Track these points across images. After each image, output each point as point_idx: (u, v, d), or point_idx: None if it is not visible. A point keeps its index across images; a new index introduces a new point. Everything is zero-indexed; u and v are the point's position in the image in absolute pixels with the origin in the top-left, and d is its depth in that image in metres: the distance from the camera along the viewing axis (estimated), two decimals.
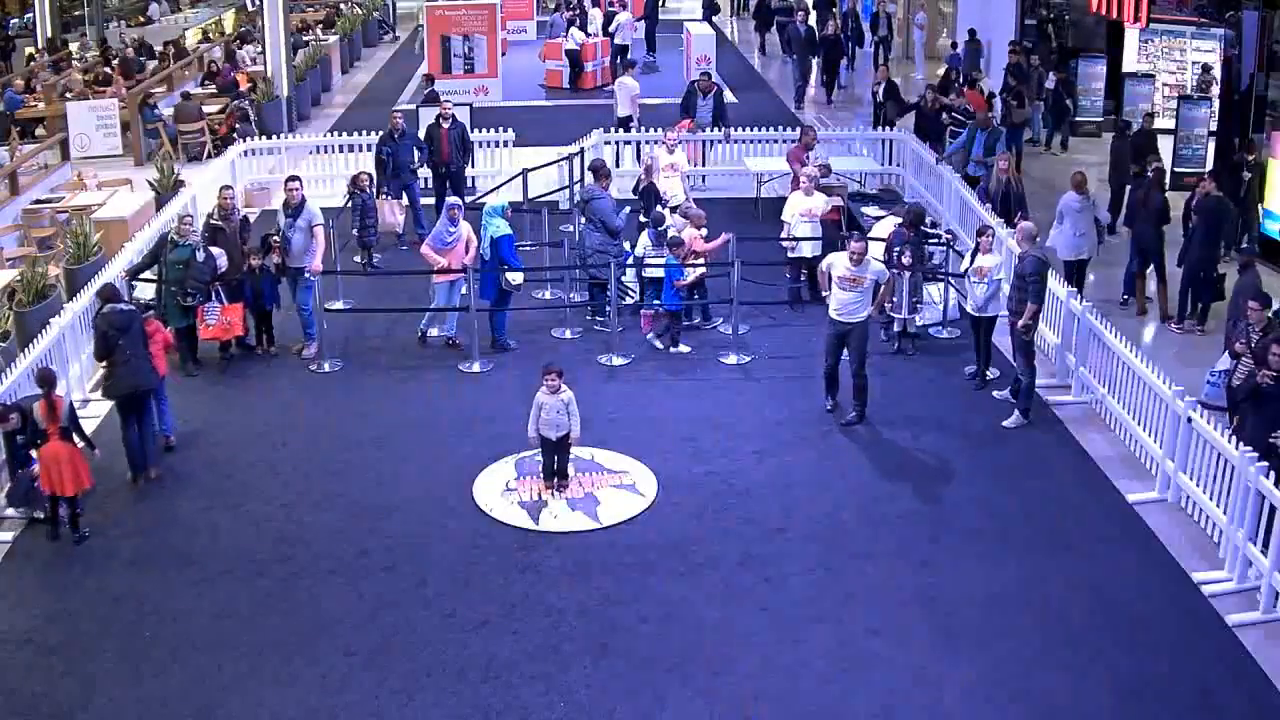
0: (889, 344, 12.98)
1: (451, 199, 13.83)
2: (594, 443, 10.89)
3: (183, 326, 12.51)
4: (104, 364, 10.65)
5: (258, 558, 9.42)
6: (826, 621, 8.55)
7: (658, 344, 13.07)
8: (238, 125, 21.58)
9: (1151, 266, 14.00)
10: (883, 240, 13.85)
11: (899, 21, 29.61)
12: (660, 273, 13.47)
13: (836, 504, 10.06)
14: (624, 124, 20.02)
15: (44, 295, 12.88)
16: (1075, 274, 13.76)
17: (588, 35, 27.43)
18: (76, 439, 9.73)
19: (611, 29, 27.55)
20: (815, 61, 25.47)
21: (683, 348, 13.03)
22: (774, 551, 9.39)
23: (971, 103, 19.14)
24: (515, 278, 12.89)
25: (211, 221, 13.23)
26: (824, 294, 11.63)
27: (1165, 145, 19.45)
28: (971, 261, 11.94)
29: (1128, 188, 15.69)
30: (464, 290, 12.99)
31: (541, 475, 10.26)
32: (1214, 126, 18.74)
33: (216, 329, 12.57)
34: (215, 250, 12.66)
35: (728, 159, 19.19)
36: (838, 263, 11.28)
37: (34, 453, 9.79)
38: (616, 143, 19.33)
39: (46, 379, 9.76)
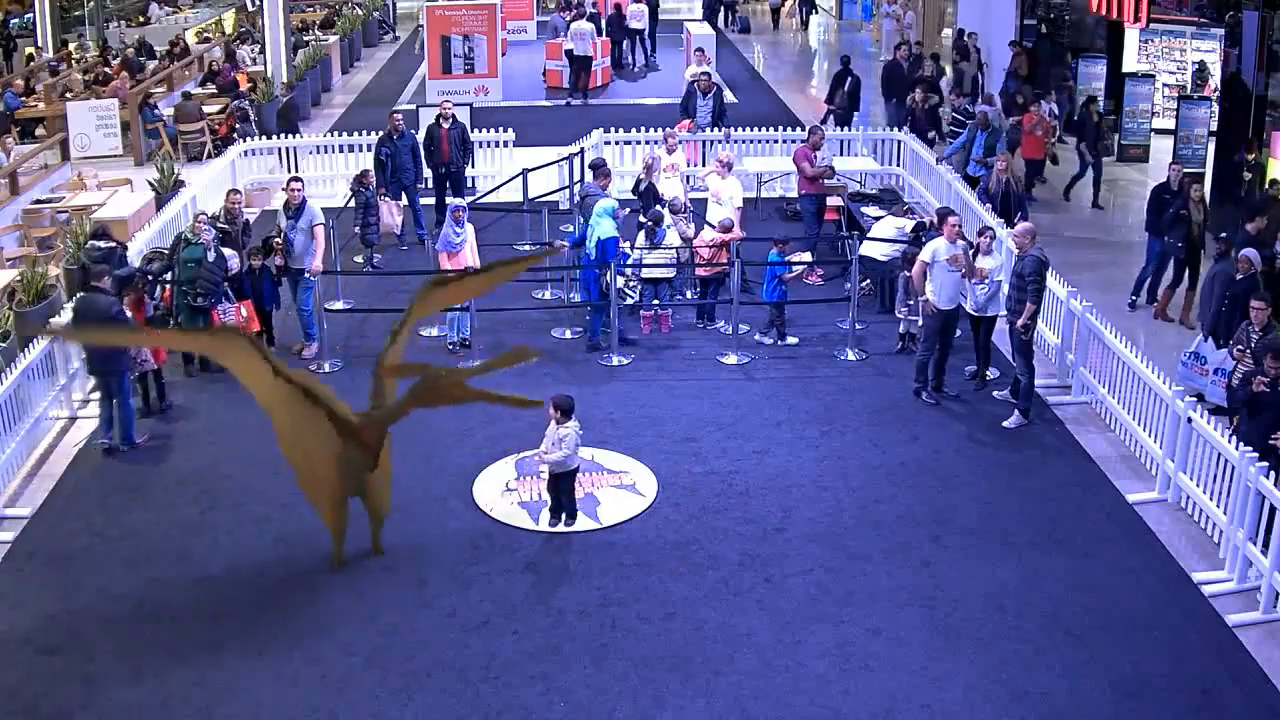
0: (893, 343, 13.01)
1: (456, 201, 13.82)
2: (594, 443, 10.89)
3: (191, 329, 12.48)
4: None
5: (258, 558, 9.42)
6: (826, 621, 8.55)
7: (765, 340, 13.08)
8: (238, 125, 21.59)
9: (1184, 275, 13.77)
10: (883, 240, 13.90)
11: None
12: (661, 273, 13.47)
13: (836, 504, 10.06)
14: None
15: (44, 295, 12.90)
16: None
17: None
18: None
19: (572, 34, 26.49)
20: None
21: (791, 339, 13.12)
22: (774, 551, 9.39)
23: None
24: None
25: (218, 225, 13.26)
26: (922, 298, 11.79)
27: (1165, 145, 19.52)
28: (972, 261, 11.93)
29: (1166, 200, 14.16)
30: None
31: (547, 510, 9.89)
32: (1214, 126, 18.74)
33: (237, 328, 12.54)
34: (228, 251, 12.69)
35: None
36: (941, 249, 11.55)
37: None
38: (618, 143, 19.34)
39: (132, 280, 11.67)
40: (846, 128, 20.58)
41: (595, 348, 13.00)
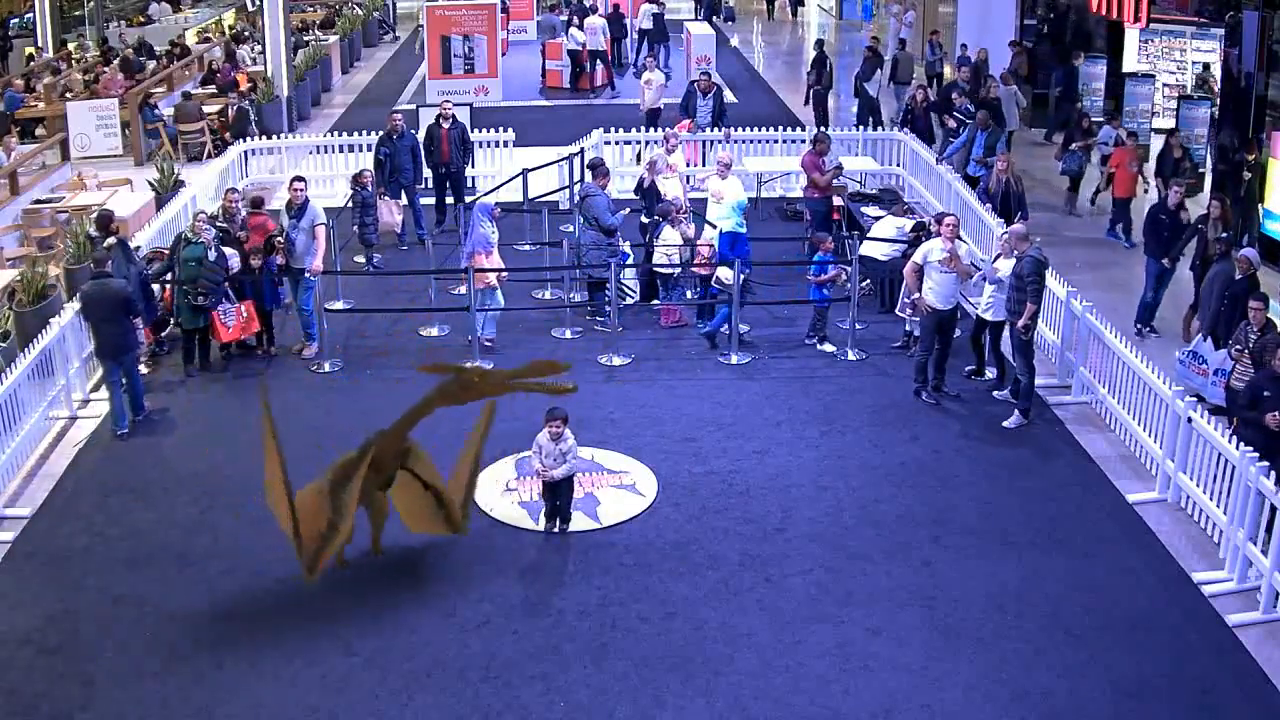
0: (892, 343, 13.01)
1: (485, 201, 13.68)
2: (594, 443, 10.89)
3: (192, 329, 12.49)
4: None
5: (258, 558, 9.42)
6: (826, 621, 8.56)
7: (821, 347, 13.04)
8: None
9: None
10: (883, 240, 13.90)
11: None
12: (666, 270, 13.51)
13: (836, 504, 10.06)
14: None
15: (44, 295, 12.90)
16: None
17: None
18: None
19: (585, 29, 26.72)
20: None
21: (827, 346, 13.01)
22: (774, 551, 9.40)
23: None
24: (723, 274, 12.97)
25: (218, 223, 13.27)
26: (914, 296, 11.87)
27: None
28: (993, 262, 11.89)
29: (1163, 221, 13.56)
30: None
31: (544, 515, 9.83)
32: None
33: (237, 329, 12.56)
34: (228, 250, 12.69)
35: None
36: (933, 250, 11.53)
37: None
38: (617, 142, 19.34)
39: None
40: (824, 108, 22.28)
41: (714, 344, 13.03)
